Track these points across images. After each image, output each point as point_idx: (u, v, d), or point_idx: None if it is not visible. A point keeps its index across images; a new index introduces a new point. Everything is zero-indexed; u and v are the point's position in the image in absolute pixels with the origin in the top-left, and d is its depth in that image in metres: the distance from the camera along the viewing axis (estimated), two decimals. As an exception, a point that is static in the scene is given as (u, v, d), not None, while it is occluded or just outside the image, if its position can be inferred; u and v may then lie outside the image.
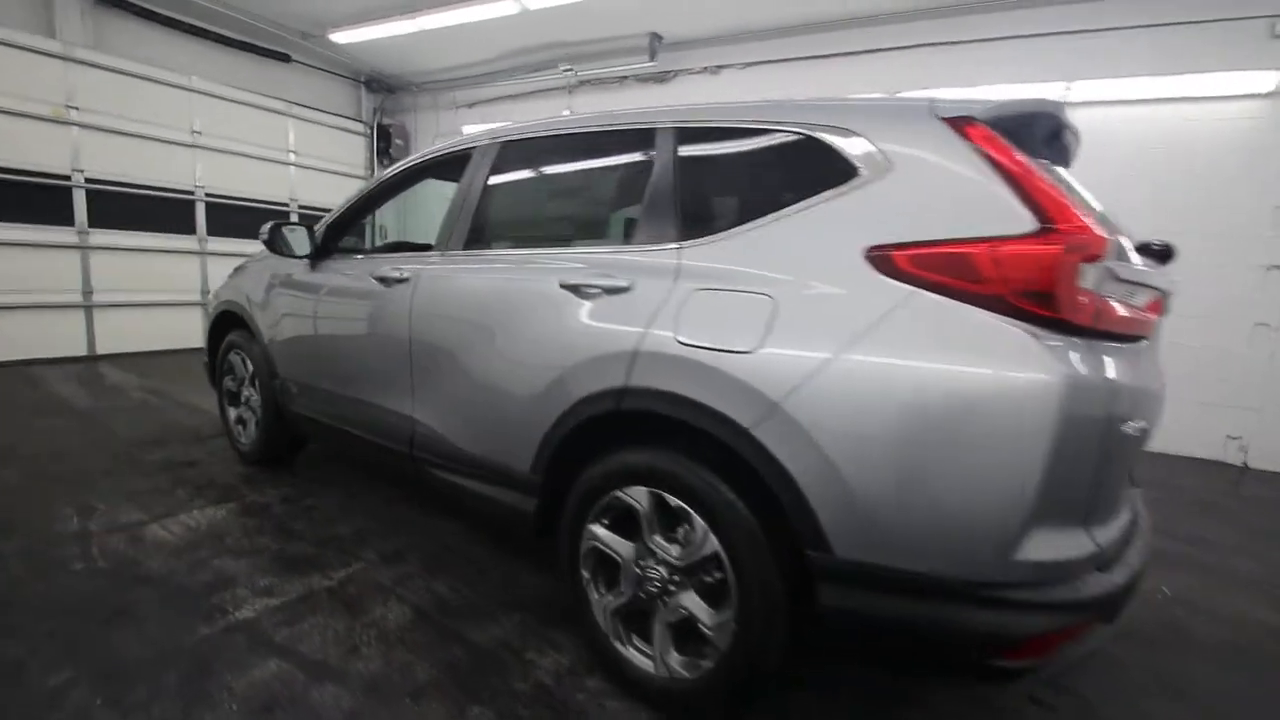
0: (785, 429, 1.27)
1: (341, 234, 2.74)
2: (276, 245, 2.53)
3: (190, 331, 6.40)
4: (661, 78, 6.29)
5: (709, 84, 6.10)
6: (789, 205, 1.42)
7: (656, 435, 1.54)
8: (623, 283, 1.59)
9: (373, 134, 8.11)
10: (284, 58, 7.04)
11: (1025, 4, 4.72)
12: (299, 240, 2.56)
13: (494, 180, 2.13)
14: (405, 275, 2.16)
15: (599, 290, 1.63)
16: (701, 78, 6.14)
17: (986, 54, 4.90)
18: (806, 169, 1.45)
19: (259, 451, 3.10)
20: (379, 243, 7.12)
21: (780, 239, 1.41)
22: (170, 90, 6.02)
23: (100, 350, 5.78)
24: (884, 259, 1.26)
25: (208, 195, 6.40)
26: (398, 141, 8.16)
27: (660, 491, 1.50)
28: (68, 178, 5.39)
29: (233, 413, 3.26)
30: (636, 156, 1.77)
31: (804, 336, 1.29)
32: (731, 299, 1.40)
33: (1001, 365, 1.12)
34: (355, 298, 2.39)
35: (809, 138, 1.46)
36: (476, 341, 1.89)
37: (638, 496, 1.55)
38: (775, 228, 1.43)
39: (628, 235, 1.71)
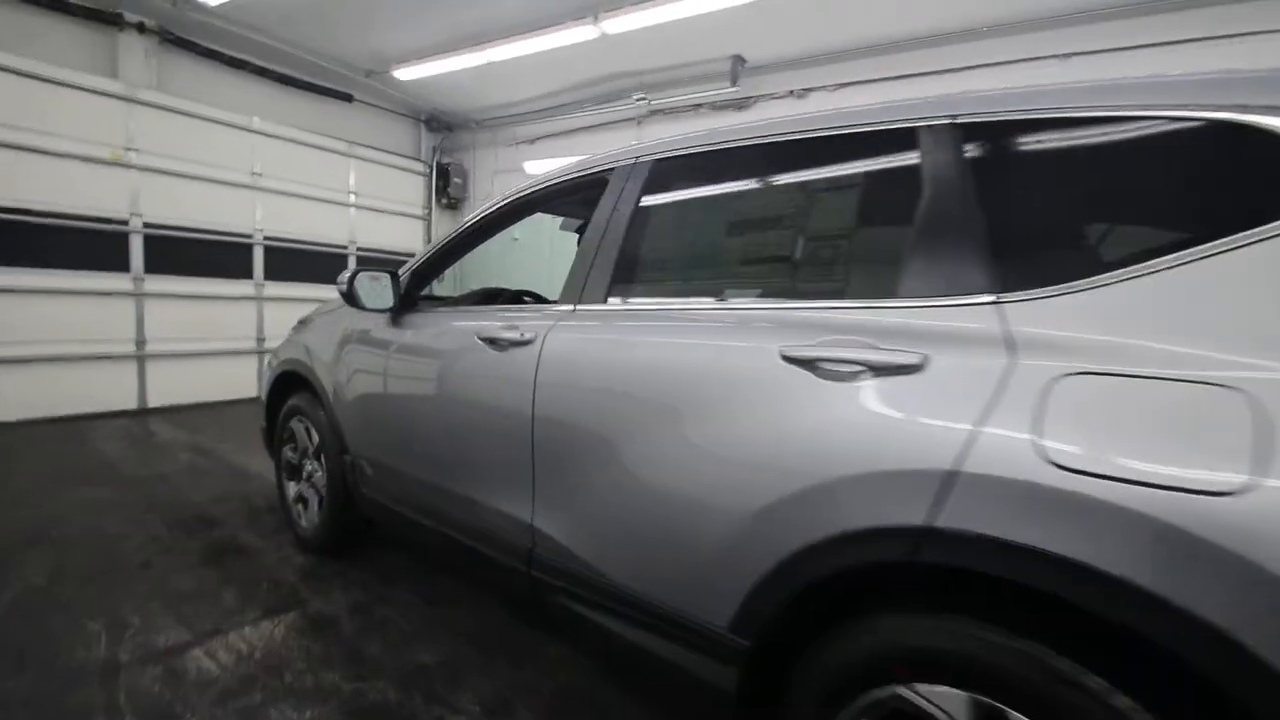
0: None
1: (425, 282, 2.27)
2: (356, 297, 2.04)
3: (244, 381, 6.07)
4: (741, 104, 5.83)
5: (794, 109, 5.61)
6: (1232, 233, 0.85)
7: (948, 587, 0.98)
8: (903, 357, 1.02)
9: (432, 173, 7.86)
10: (347, 97, 6.85)
11: (1150, 9, 4.12)
12: (382, 291, 2.08)
13: (648, 210, 1.60)
14: (527, 336, 1.63)
15: (860, 368, 1.06)
16: (785, 102, 5.66)
17: (1105, 66, 4.29)
18: (1249, 172, 0.88)
19: (321, 538, 2.60)
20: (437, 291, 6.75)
21: (1221, 290, 0.83)
22: (231, 131, 5.81)
23: (152, 403, 5.46)
24: None
25: (266, 239, 6.14)
26: (456, 180, 7.89)
27: (996, 703, 0.91)
28: (125, 222, 5.15)
29: (292, 488, 2.78)
30: (892, 168, 1.22)
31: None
32: (1159, 394, 0.82)
33: None
34: (452, 362, 1.88)
35: (1238, 126, 0.89)
36: (639, 432, 1.34)
37: (944, 702, 0.96)
38: (1205, 272, 0.85)
39: (885, 283, 1.15)
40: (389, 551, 2.74)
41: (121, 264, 5.17)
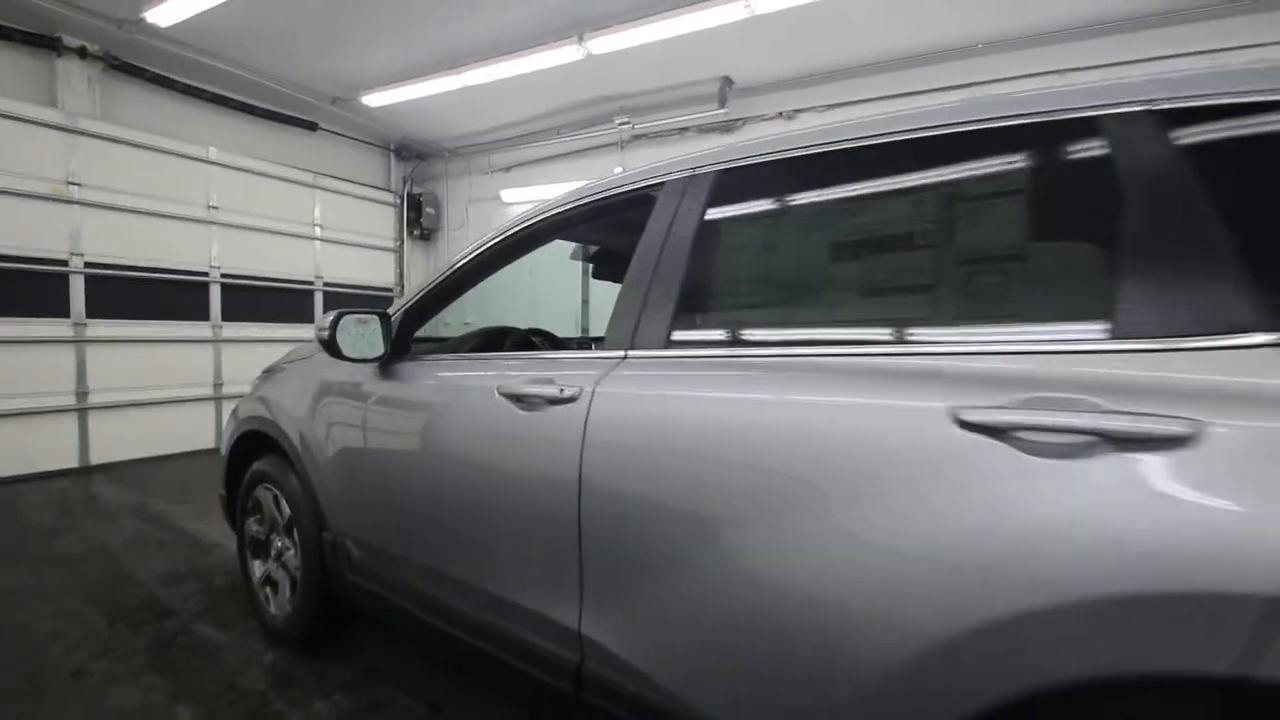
0: None
1: (419, 324, 1.92)
2: (340, 347, 1.68)
3: (201, 432, 5.55)
4: (728, 127, 5.65)
5: (782, 130, 5.44)
6: None
7: None
8: (1160, 425, 0.72)
9: (403, 203, 7.49)
10: (311, 126, 6.48)
11: (1145, 24, 4.06)
12: (371, 337, 1.72)
13: (716, 230, 1.30)
14: (567, 392, 1.30)
15: (1089, 438, 0.76)
16: (775, 124, 5.50)
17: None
18: None
19: (295, 630, 2.18)
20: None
21: None
22: (185, 163, 5.38)
23: (95, 459, 4.92)
24: None
25: (224, 275, 5.68)
26: (429, 210, 7.54)
27: None
28: (65, 262, 4.66)
29: (258, 568, 2.36)
30: (1088, 163, 0.94)
31: None
32: None
33: None
34: (464, 424, 1.54)
35: None
36: (745, 518, 1.01)
37: None
38: None
39: (1089, 317, 0.86)
40: (376, 640, 2.33)
41: (60, 309, 4.67)
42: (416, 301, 1.86)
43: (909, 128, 1.07)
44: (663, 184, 1.39)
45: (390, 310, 1.86)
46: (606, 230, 2.16)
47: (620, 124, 5.82)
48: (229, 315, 5.74)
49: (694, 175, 1.35)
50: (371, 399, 1.82)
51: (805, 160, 1.20)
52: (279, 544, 2.24)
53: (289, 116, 6.28)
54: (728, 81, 5.27)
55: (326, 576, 2.00)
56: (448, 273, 1.82)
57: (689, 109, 5.45)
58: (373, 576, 1.81)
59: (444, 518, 1.55)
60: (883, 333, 1.06)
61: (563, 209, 1.63)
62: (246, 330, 5.84)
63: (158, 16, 4.35)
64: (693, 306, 1.27)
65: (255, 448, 2.36)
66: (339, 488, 1.92)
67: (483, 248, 1.77)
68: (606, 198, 1.55)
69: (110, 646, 2.24)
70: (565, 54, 4.64)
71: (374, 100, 5.80)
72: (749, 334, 1.24)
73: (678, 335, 1.25)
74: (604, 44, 4.51)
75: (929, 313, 1.09)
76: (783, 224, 1.30)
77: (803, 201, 1.25)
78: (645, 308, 1.29)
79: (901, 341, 1.03)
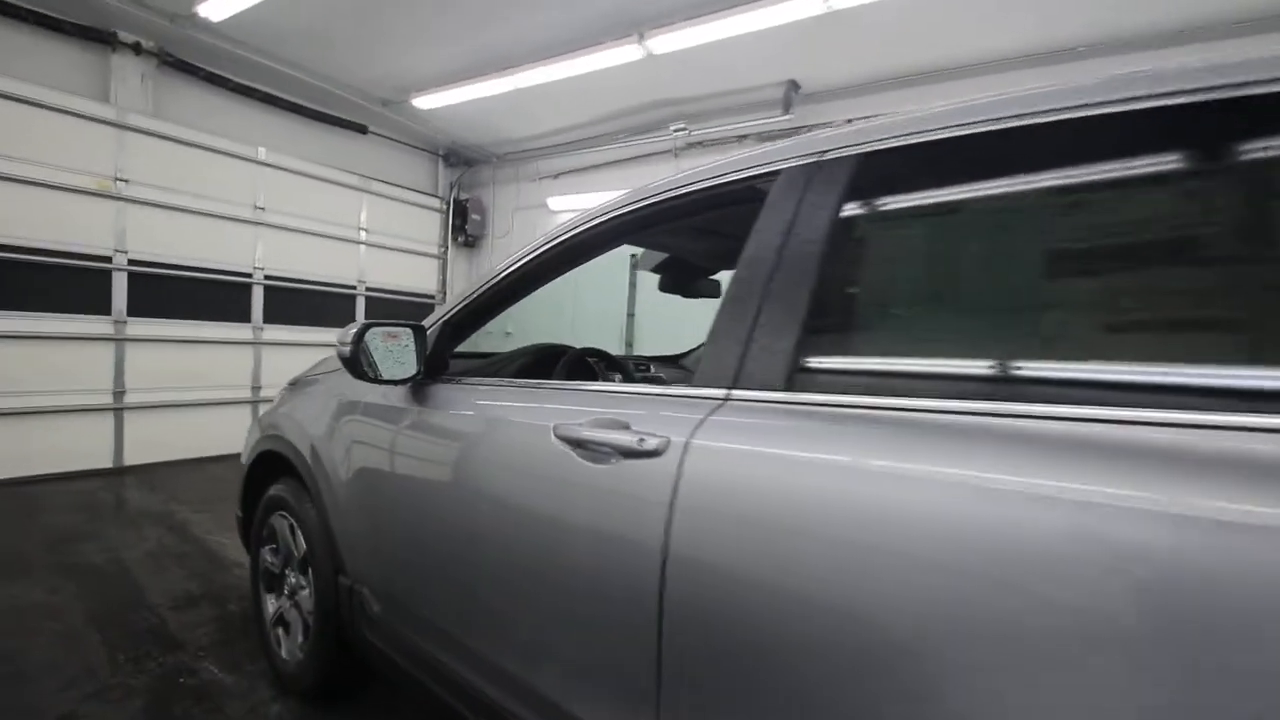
0: None
1: (458, 339, 1.64)
2: (365, 366, 1.40)
3: (236, 435, 5.37)
4: (793, 134, 5.30)
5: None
6: None
7: None
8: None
9: (449, 209, 7.35)
10: (361, 129, 6.38)
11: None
12: (402, 354, 1.44)
13: (858, 230, 0.98)
14: (649, 444, 0.99)
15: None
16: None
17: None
18: None
19: (307, 678, 1.91)
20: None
21: None
22: (234, 162, 5.31)
23: (129, 460, 4.81)
24: None
25: (267, 277, 5.57)
26: (474, 217, 7.38)
27: None
28: (109, 259, 4.59)
29: (270, 604, 2.11)
30: None
31: None
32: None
33: None
34: (512, 472, 1.23)
35: None
36: (900, 647, 0.68)
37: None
38: None
39: None
40: (396, 700, 2.04)
41: (102, 306, 4.59)
42: (457, 312, 1.57)
43: (1184, 87, 0.72)
44: (777, 173, 1.07)
45: (426, 322, 1.58)
46: (681, 234, 1.86)
47: (676, 130, 5.55)
48: (271, 318, 5.63)
49: (822, 160, 1.03)
50: (400, 428, 1.53)
51: (995, 138, 0.86)
52: (293, 580, 1.98)
53: (339, 119, 6.19)
54: (794, 86, 4.95)
55: (341, 626, 1.72)
56: (493, 280, 1.53)
57: (751, 115, 5.13)
58: (392, 637, 1.52)
59: (479, 585, 1.25)
60: (1155, 380, 0.67)
61: (633, 207, 1.32)
62: (288, 334, 5.72)
63: (209, 10, 4.26)
64: (826, 334, 0.95)
65: (274, 469, 2.11)
66: (359, 529, 1.64)
67: (535, 253, 1.47)
68: (692, 193, 1.24)
69: (108, 685, 2.00)
70: (624, 54, 4.38)
71: (424, 102, 5.65)
72: (917, 379, 0.87)
73: (804, 373, 0.92)
74: (666, 43, 4.24)
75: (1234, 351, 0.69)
76: (962, 223, 0.95)
77: (991, 193, 0.90)
78: (755, 334, 0.97)
79: (1198, 393, 0.64)
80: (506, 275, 1.52)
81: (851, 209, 0.97)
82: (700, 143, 5.76)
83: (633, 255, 6.10)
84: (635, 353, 6.00)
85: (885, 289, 0.97)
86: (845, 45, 4.35)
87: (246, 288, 5.47)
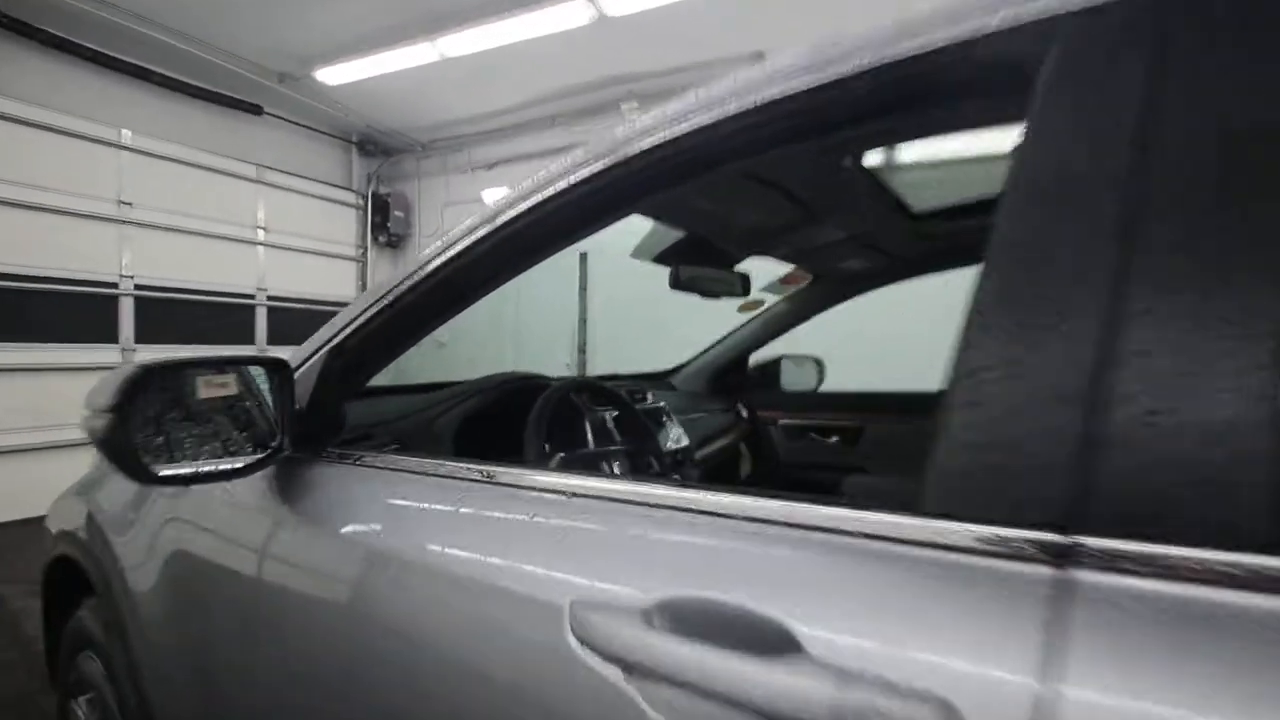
0: None
1: (355, 377, 0.94)
2: (138, 450, 0.70)
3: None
4: (757, 117, 4.79)
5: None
6: None
7: None
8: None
9: (367, 205, 6.46)
10: (254, 109, 5.42)
11: None
12: (241, 416, 0.74)
13: None
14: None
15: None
16: (812, 114, 4.66)
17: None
18: None
19: None
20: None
21: None
22: (89, 146, 4.32)
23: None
24: None
25: (138, 287, 4.59)
26: (397, 213, 6.51)
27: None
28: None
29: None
30: None
31: None
32: None
33: None
34: (477, 686, 0.56)
35: None
36: None
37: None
38: None
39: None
40: None
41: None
42: (354, 332, 0.88)
43: None
44: (1055, 16, 0.44)
45: (301, 351, 0.89)
46: (725, 199, 1.19)
47: (629, 110, 4.93)
48: (145, 336, 4.65)
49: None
50: (260, 546, 0.83)
51: None
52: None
53: (228, 97, 5.22)
54: (761, 59, 4.42)
55: None
56: (411, 281, 0.83)
57: (713, 92, 4.58)
58: None
59: None
60: None
61: (708, 120, 0.65)
62: (167, 354, 4.75)
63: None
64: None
65: (75, 582, 1.35)
66: (194, 694, 0.93)
67: (476, 235, 0.79)
68: (857, 77, 0.58)
69: None
70: (572, 13, 3.72)
71: (330, 76, 4.80)
72: None
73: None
74: (621, 2, 3.61)
75: None
76: None
77: None
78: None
79: None
80: (435, 271, 0.83)
81: None
82: (654, 126, 5.17)
83: (582, 253, 5.46)
84: (590, 363, 5.34)
85: None
86: (819, 11, 3.85)
87: (112, 300, 4.48)
